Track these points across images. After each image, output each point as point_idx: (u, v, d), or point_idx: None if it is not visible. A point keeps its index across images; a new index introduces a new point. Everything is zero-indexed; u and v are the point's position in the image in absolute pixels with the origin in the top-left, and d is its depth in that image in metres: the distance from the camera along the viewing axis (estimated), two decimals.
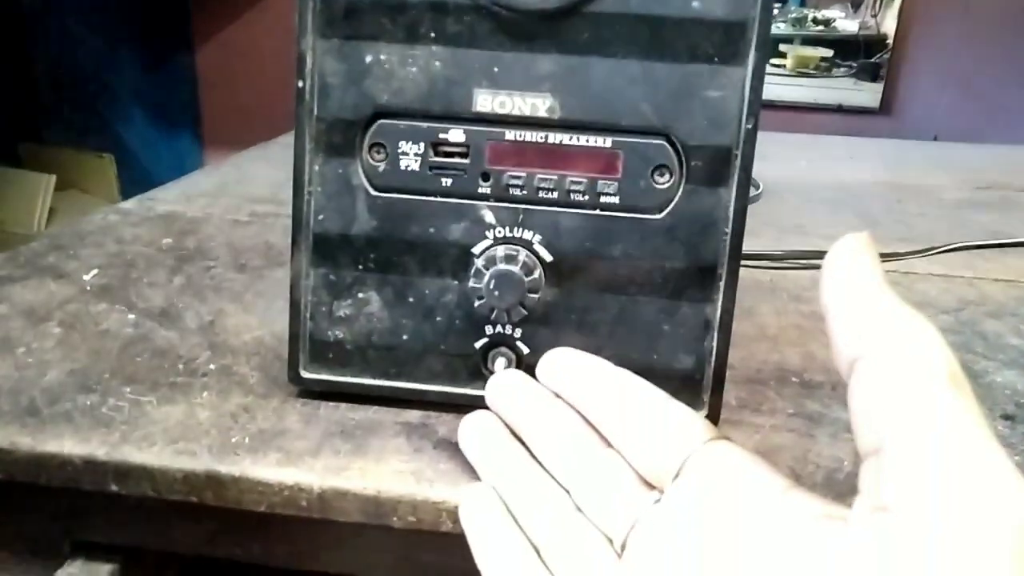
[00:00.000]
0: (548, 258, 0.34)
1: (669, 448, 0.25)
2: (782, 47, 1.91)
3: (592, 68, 0.32)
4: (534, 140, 0.33)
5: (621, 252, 0.33)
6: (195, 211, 0.63)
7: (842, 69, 1.89)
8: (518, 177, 0.33)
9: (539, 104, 0.32)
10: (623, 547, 0.25)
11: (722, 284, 0.33)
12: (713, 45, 0.31)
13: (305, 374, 0.35)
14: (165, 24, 1.74)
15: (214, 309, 0.45)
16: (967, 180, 0.89)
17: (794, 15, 1.89)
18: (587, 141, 0.33)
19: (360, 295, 0.35)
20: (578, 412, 0.29)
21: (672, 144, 0.32)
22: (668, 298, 0.34)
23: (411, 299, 0.34)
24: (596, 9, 0.31)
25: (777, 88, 1.89)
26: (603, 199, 0.33)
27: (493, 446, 0.30)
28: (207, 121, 1.89)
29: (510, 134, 0.33)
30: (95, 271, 0.49)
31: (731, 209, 0.32)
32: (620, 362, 0.34)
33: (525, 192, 0.33)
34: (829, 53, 1.89)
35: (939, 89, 1.83)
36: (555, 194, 0.33)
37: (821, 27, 1.89)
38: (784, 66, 1.91)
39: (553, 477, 0.28)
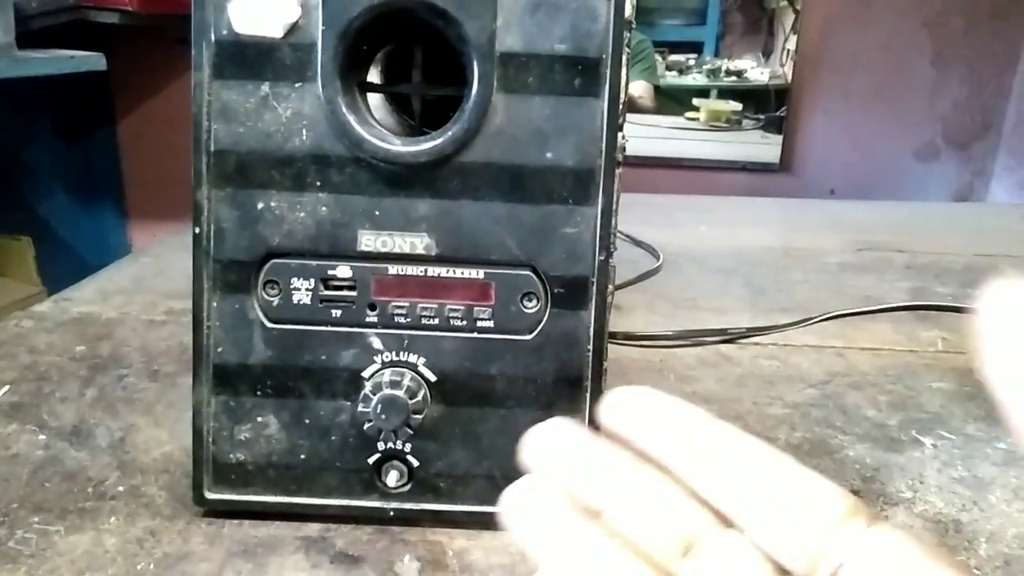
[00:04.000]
0: (432, 378, 0.37)
1: (811, 530, 0.20)
2: (696, 101, 2.01)
3: (463, 210, 0.36)
4: (415, 274, 0.36)
5: (497, 370, 0.37)
6: (111, 312, 0.64)
7: (751, 122, 2.00)
8: (402, 307, 0.37)
9: (417, 242, 0.36)
10: None
11: (588, 395, 0.37)
12: (567, 189, 0.36)
13: (209, 495, 0.38)
14: (85, 98, 1.73)
15: (125, 424, 0.46)
16: (851, 241, 0.96)
17: (709, 66, 1.98)
18: (462, 274, 0.36)
19: (259, 419, 0.37)
20: (664, 472, 0.22)
21: (537, 274, 0.36)
22: (541, 409, 0.37)
23: (307, 421, 0.37)
24: (464, 159, 0.35)
25: (689, 144, 1.99)
26: (479, 323, 0.37)
27: (554, 518, 0.23)
28: (130, 195, 1.87)
29: (393, 269, 0.36)
30: (7, 388, 0.50)
31: (591, 329, 0.37)
32: (501, 472, 0.38)
33: (409, 319, 0.37)
34: (739, 107, 1.99)
35: (832, 144, 1.94)
36: (436, 320, 0.37)
37: (734, 78, 1.98)
38: (698, 119, 2.01)
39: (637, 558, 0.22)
